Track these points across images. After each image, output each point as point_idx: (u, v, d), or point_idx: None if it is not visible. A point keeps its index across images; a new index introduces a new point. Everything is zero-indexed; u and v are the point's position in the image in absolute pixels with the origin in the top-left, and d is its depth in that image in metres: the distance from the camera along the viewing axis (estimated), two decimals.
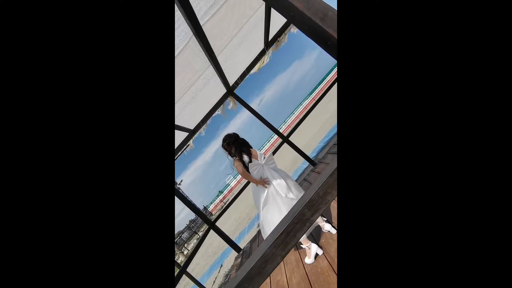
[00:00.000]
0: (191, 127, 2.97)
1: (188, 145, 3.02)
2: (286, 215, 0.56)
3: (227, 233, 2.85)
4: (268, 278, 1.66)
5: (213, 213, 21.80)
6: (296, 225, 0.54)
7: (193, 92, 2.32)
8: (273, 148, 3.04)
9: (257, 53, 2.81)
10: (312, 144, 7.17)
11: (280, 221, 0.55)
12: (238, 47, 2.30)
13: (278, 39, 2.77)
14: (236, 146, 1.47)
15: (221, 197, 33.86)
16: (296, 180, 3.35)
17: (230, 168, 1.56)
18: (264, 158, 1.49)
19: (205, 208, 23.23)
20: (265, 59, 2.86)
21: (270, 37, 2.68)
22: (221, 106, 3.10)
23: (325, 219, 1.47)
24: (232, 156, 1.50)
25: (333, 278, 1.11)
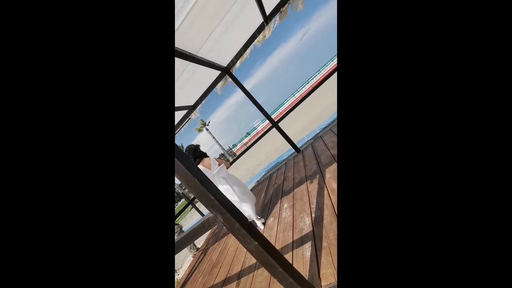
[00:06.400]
0: (191, 102, 3.24)
1: (189, 118, 3.40)
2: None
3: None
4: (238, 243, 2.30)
5: (237, 154, 24.13)
6: None
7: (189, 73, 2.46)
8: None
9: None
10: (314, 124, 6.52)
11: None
12: (227, 29, 2.20)
13: None
14: (193, 158, 1.81)
15: (246, 140, 36.46)
16: (278, 165, 3.63)
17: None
18: (218, 167, 1.82)
19: (230, 148, 25.73)
20: None
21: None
22: (220, 82, 3.19)
23: (259, 217, 1.88)
24: None
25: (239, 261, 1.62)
